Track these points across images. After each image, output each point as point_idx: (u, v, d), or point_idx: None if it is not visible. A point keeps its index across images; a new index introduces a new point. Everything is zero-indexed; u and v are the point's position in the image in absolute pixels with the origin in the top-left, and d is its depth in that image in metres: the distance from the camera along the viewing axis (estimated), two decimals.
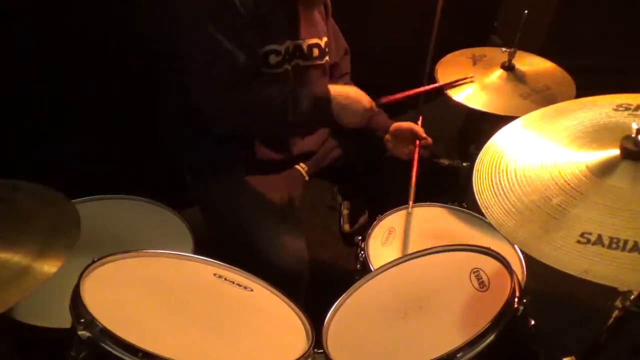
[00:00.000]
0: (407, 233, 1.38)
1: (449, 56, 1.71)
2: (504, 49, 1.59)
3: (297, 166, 1.55)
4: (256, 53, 1.32)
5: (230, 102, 1.30)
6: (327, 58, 1.50)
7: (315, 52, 1.46)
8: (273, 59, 1.35)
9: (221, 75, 1.28)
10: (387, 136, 1.57)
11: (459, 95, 1.55)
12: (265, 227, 1.35)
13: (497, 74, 1.60)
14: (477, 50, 1.71)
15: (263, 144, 1.45)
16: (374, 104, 1.39)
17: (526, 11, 1.50)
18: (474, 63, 1.66)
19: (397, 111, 1.98)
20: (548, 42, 2.39)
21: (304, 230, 1.42)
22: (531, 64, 1.66)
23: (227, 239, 1.47)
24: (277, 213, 1.40)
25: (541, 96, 1.54)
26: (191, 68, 1.31)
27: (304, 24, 1.42)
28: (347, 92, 1.36)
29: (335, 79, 1.60)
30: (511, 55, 1.58)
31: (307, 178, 1.56)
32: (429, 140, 1.55)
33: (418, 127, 1.55)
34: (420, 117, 1.63)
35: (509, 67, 1.59)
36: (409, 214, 1.42)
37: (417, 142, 1.54)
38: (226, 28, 1.25)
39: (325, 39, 1.49)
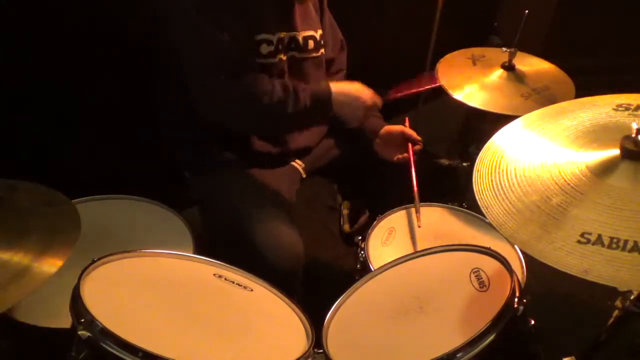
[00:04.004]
0: (412, 234, 1.38)
1: (448, 56, 1.70)
2: (504, 48, 1.59)
3: (293, 163, 1.54)
4: (247, 43, 1.31)
5: (227, 93, 1.29)
6: (322, 50, 1.50)
7: (311, 44, 1.45)
8: (265, 48, 1.34)
9: (214, 67, 1.27)
10: (377, 140, 1.56)
11: (459, 94, 1.54)
12: (259, 221, 1.35)
13: (498, 73, 1.60)
14: (477, 50, 1.71)
15: (259, 137, 1.45)
16: (378, 100, 1.39)
17: (526, 11, 1.50)
18: (474, 63, 1.66)
19: (396, 110, 1.99)
20: (548, 42, 2.39)
21: (299, 226, 1.40)
22: (531, 64, 1.66)
23: (222, 235, 1.47)
24: (271, 207, 1.39)
25: (541, 96, 1.54)
26: (185, 63, 1.31)
27: (299, 16, 1.42)
28: (347, 90, 1.36)
29: (331, 75, 1.59)
30: (511, 55, 1.58)
31: (304, 175, 1.55)
32: (421, 144, 1.54)
33: (410, 131, 1.54)
34: (407, 119, 1.61)
35: (509, 67, 1.59)
36: (419, 227, 1.39)
37: (410, 146, 1.51)
38: (214, 19, 1.25)
39: (320, 31, 1.48)
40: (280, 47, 1.38)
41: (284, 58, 1.40)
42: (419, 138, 1.54)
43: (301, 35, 1.43)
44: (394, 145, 1.54)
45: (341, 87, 1.36)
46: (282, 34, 1.38)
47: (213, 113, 1.34)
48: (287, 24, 1.40)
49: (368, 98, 1.37)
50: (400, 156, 1.52)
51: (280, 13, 1.38)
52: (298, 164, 1.55)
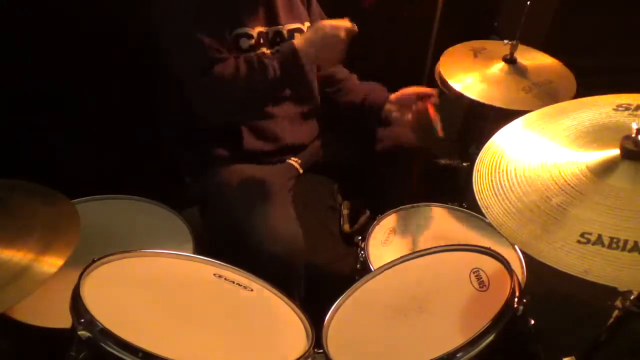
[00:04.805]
0: (412, 235, 1.39)
1: (449, 49, 1.69)
2: (506, 41, 1.57)
3: (289, 160, 1.54)
4: (225, 37, 1.31)
5: (206, 88, 1.29)
6: None
7: (297, 37, 1.44)
8: (244, 43, 1.35)
9: (193, 63, 1.28)
10: (390, 106, 1.53)
11: (458, 84, 1.52)
12: (256, 214, 1.34)
13: (499, 66, 1.58)
14: (477, 43, 1.70)
15: (253, 135, 1.45)
16: (350, 25, 1.30)
17: (528, 2, 1.49)
18: (475, 56, 1.65)
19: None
20: (548, 43, 2.39)
21: (297, 219, 1.40)
22: (533, 57, 1.64)
23: (222, 235, 1.47)
24: (268, 200, 1.39)
25: (542, 90, 1.52)
26: (170, 60, 1.33)
27: (283, 10, 1.42)
28: (312, 38, 1.30)
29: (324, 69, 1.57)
30: (513, 48, 1.56)
31: (300, 171, 1.55)
32: (435, 93, 1.49)
33: (422, 88, 1.50)
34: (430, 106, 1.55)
35: (511, 60, 1.57)
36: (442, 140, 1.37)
37: (429, 105, 1.48)
38: (194, 15, 1.26)
39: (307, 23, 1.48)
40: (262, 41, 1.38)
41: (268, 52, 1.39)
42: (432, 92, 1.49)
43: (286, 28, 1.42)
44: (408, 107, 1.51)
45: (304, 38, 1.31)
46: (263, 29, 1.38)
47: (198, 110, 1.35)
48: (268, 18, 1.39)
49: (338, 31, 1.28)
50: (414, 108, 1.48)
51: (259, 7, 1.38)
52: (294, 160, 1.54)
